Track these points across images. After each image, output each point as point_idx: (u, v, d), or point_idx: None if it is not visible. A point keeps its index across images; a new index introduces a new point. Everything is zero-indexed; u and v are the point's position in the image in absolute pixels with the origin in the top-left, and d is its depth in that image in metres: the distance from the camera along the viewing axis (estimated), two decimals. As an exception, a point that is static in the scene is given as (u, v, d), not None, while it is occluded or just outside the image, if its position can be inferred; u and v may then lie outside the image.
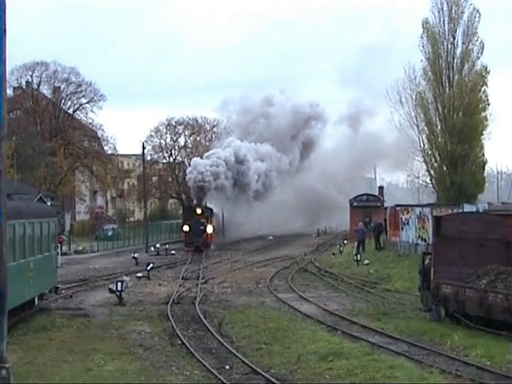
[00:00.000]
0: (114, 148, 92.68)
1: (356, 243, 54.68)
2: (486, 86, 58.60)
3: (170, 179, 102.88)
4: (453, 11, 58.03)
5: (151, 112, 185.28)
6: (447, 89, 58.31)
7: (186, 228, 70.59)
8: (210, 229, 70.34)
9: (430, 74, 58.82)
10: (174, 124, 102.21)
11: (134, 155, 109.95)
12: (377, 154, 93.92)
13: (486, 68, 58.44)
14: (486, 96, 58.67)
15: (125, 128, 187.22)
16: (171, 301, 32.79)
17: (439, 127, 58.99)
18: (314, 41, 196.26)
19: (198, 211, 71.09)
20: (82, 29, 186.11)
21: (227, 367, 20.11)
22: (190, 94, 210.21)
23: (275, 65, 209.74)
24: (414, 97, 60.85)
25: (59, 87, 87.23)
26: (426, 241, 43.61)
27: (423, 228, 45.86)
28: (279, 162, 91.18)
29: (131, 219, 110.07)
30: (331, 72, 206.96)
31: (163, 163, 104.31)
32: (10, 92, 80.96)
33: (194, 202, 76.75)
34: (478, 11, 57.80)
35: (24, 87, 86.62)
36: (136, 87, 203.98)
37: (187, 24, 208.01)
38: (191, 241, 68.69)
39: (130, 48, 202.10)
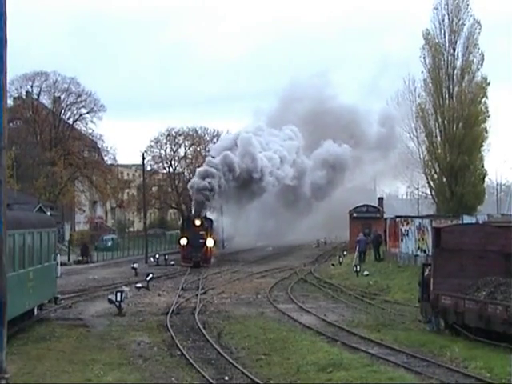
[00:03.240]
0: (114, 158, 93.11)
1: (357, 253, 54.68)
2: (486, 97, 58.79)
3: (170, 189, 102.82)
4: (453, 23, 58.22)
5: (151, 122, 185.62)
6: (447, 100, 58.44)
7: (183, 241, 64.03)
8: (210, 242, 64.00)
9: (430, 85, 58.96)
10: (174, 134, 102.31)
11: (133, 165, 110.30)
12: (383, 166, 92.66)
13: (486, 79, 58.62)
14: (486, 107, 58.84)
15: (125, 138, 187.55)
16: (171, 311, 32.76)
17: (439, 138, 59.08)
18: (324, 52, 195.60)
19: (197, 223, 64.45)
20: (87, 40, 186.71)
21: (226, 378, 20.05)
22: (190, 105, 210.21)
23: (280, 77, 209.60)
24: (413, 108, 61.03)
25: (59, 97, 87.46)
26: (425, 252, 43.55)
27: (423, 239, 45.83)
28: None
29: (131, 229, 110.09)
30: (345, 84, 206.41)
31: (163, 173, 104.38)
32: (10, 102, 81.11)
33: (193, 211, 71.10)
34: (478, 23, 58.09)
35: (24, 97, 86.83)
36: (136, 97, 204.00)
37: (192, 36, 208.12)
38: (189, 255, 62.26)
39: (132, 59, 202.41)
